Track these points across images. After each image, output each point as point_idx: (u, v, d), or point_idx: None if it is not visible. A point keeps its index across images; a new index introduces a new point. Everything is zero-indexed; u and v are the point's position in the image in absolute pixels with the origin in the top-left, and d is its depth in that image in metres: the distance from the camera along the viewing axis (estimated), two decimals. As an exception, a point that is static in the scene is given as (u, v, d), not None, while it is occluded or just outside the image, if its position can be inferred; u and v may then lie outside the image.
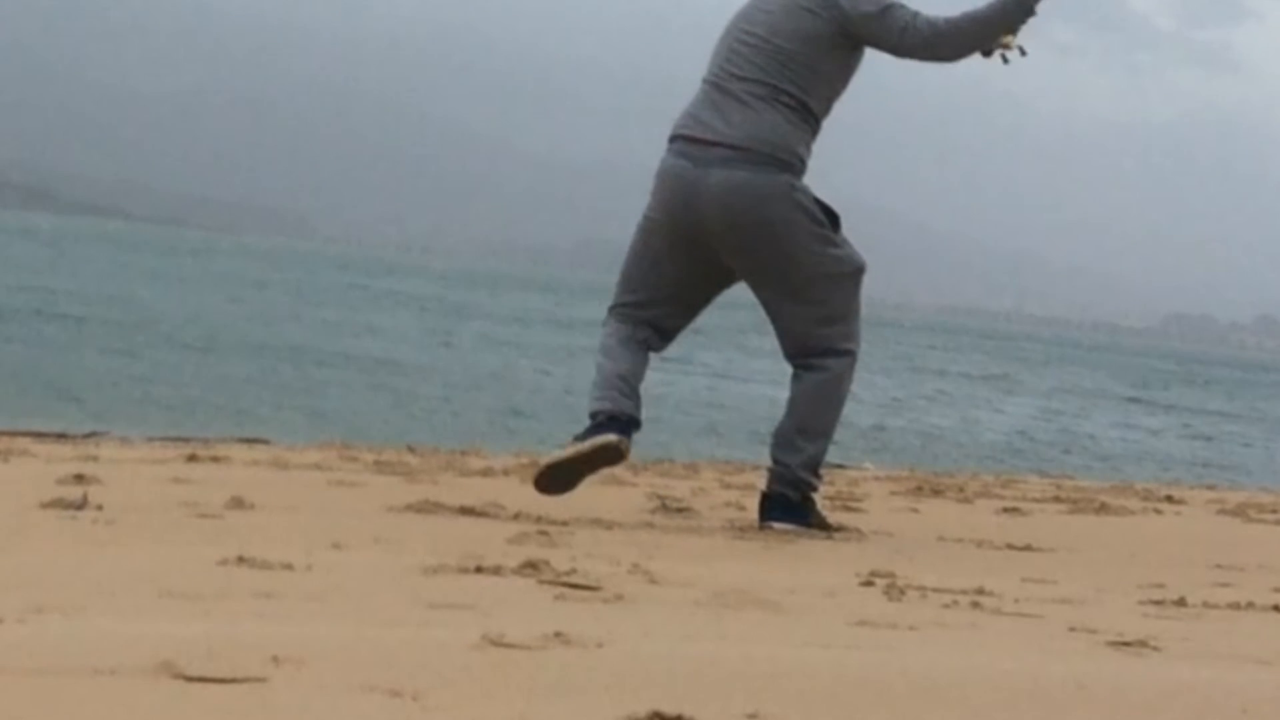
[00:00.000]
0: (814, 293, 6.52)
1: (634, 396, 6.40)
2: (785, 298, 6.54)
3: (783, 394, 6.74)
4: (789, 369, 6.70)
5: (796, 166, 6.48)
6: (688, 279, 6.57)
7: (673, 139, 6.57)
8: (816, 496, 6.62)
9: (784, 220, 6.43)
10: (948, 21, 6.54)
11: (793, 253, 6.46)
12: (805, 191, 6.50)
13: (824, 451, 6.60)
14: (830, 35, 6.48)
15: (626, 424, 6.33)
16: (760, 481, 6.84)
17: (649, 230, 6.57)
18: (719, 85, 6.50)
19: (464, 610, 3.87)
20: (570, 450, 6.29)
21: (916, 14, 6.53)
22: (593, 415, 6.36)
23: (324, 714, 2.65)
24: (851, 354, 6.63)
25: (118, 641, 3.09)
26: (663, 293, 6.56)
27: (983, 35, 6.56)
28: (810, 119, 6.52)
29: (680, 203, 6.46)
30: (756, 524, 6.51)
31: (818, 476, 6.61)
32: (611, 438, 6.25)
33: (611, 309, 6.64)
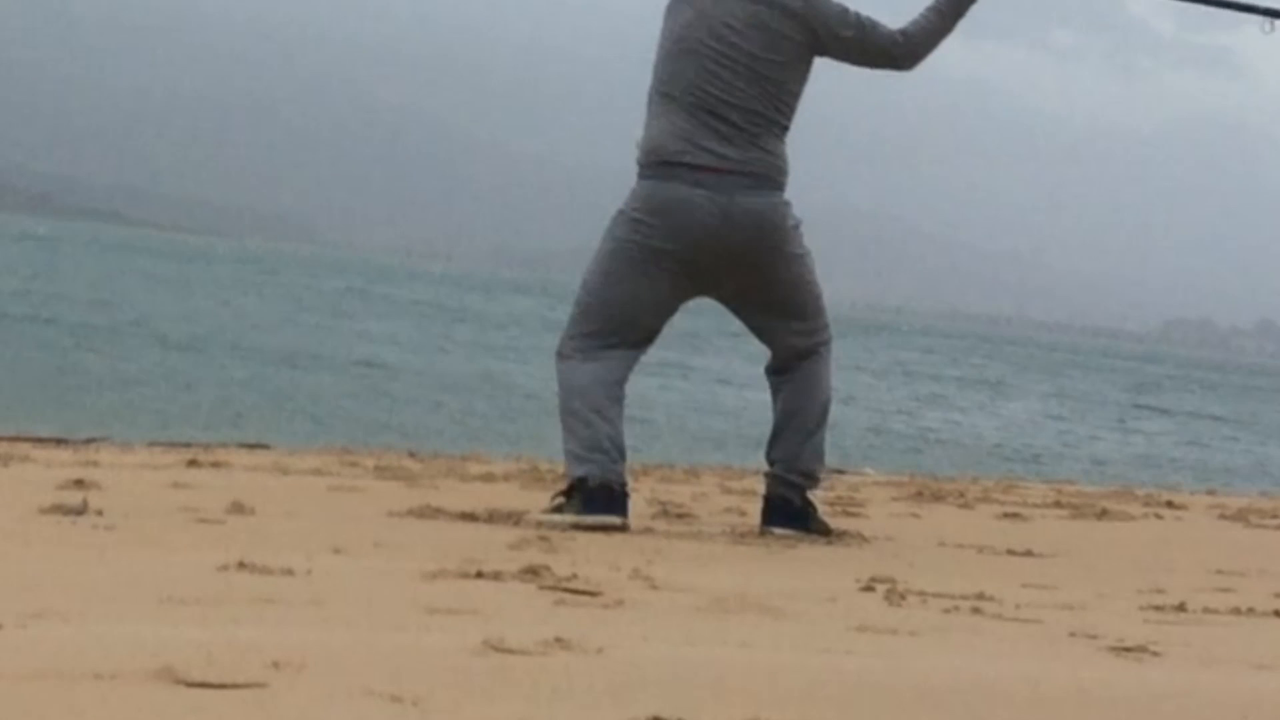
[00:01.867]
0: (804, 300, 6.62)
1: (622, 458, 6.36)
2: (784, 313, 6.60)
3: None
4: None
5: (786, 185, 6.60)
6: (670, 302, 6.57)
7: (670, 165, 6.42)
8: (816, 500, 6.64)
9: (791, 239, 6.55)
10: (907, 37, 6.62)
11: (792, 266, 6.57)
12: (790, 205, 6.62)
13: (822, 443, 6.64)
14: (804, 56, 6.56)
15: (622, 497, 6.29)
16: (760, 486, 6.84)
17: (645, 259, 6.44)
18: (713, 112, 6.41)
19: (465, 615, 3.87)
20: (570, 525, 6.16)
21: (883, 32, 6.61)
22: (580, 480, 6.27)
23: (324, 719, 2.65)
24: (829, 341, 6.72)
25: (118, 646, 3.09)
26: (647, 316, 6.53)
27: (938, 40, 6.67)
28: (786, 137, 6.62)
29: (705, 232, 6.39)
30: (758, 529, 6.51)
31: (822, 465, 6.65)
32: (615, 521, 6.21)
33: (585, 336, 6.47)
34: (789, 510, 6.50)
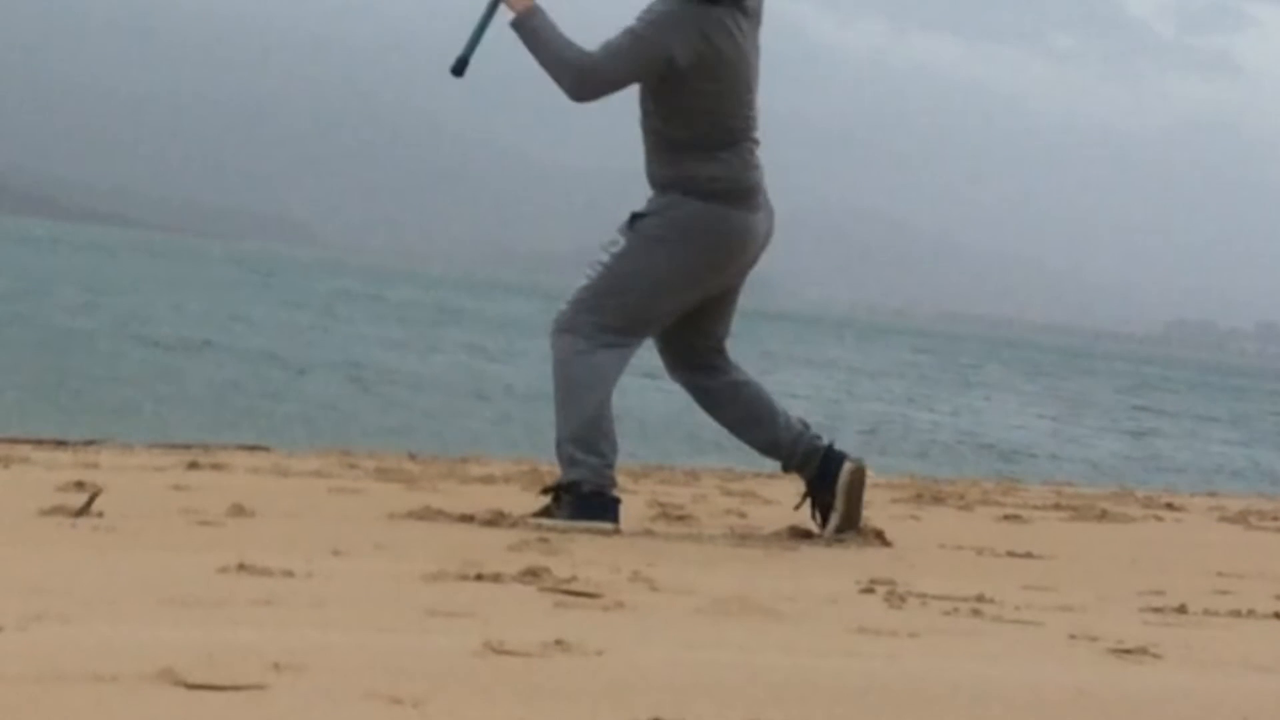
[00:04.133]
0: None
1: (615, 457, 6.35)
2: (734, 308, 6.67)
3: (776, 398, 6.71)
4: (763, 376, 6.75)
5: None
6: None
7: (738, 192, 6.40)
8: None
9: None
10: None
11: None
12: None
13: None
14: None
15: (614, 502, 6.27)
16: (760, 488, 6.84)
17: (704, 282, 6.42)
18: (755, 137, 6.49)
19: (465, 617, 3.87)
20: (561, 526, 6.15)
21: None
22: (573, 484, 6.24)
23: (325, 721, 2.66)
24: None
25: (118, 648, 3.09)
26: (668, 322, 6.57)
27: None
28: None
29: (758, 248, 6.52)
30: (853, 462, 6.47)
31: None
32: (608, 528, 6.19)
33: (604, 327, 6.36)
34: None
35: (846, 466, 6.45)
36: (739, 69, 6.38)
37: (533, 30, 6.32)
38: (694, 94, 6.33)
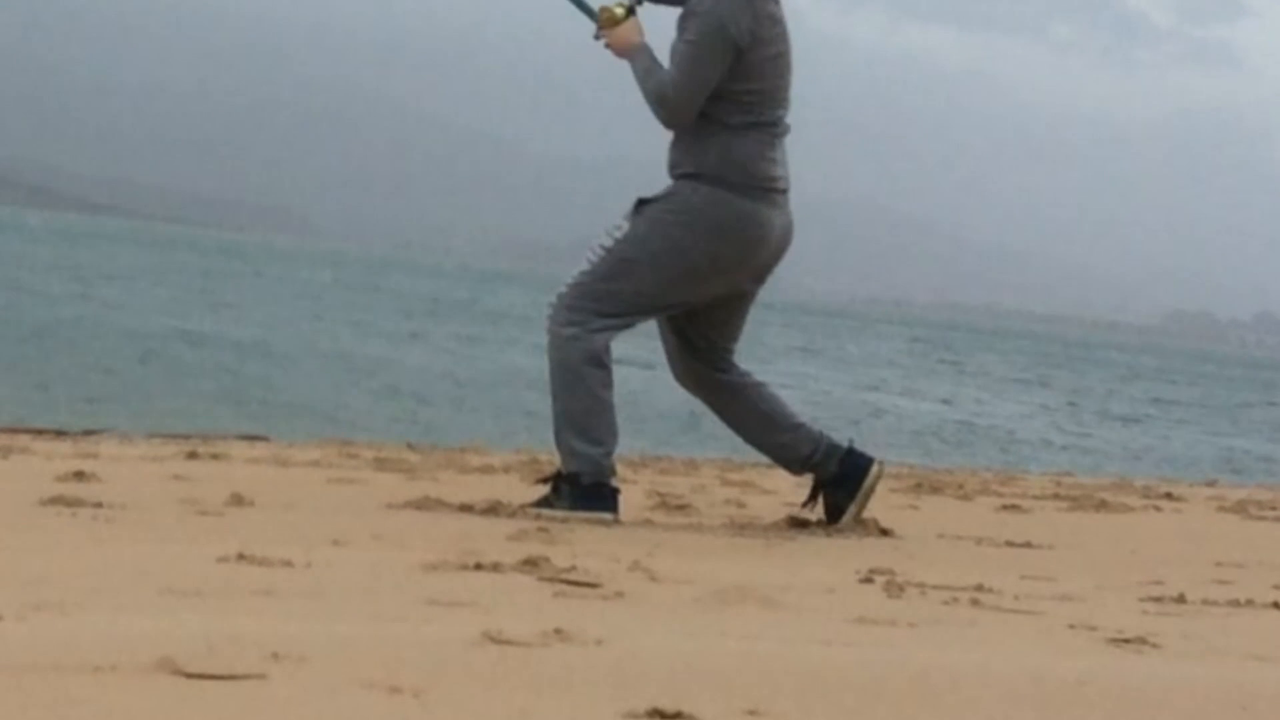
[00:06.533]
0: None
1: (615, 444, 6.34)
2: (745, 320, 6.64)
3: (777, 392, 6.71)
4: (759, 366, 6.73)
5: None
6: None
7: (762, 189, 6.36)
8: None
9: None
10: None
11: None
12: None
13: None
14: None
15: (614, 493, 6.28)
16: (760, 478, 6.84)
17: (711, 276, 6.34)
18: (785, 137, 6.48)
19: (464, 607, 3.87)
20: (560, 516, 6.16)
21: None
22: (573, 476, 6.22)
23: (324, 711, 2.65)
24: None
25: (117, 639, 3.09)
26: (662, 315, 6.54)
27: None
28: None
29: (777, 251, 6.48)
30: (876, 462, 6.53)
31: None
32: (607, 518, 6.19)
33: (601, 314, 6.30)
34: None
35: (874, 470, 6.46)
36: (784, 50, 6.37)
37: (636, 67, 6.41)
38: (746, 75, 6.29)
